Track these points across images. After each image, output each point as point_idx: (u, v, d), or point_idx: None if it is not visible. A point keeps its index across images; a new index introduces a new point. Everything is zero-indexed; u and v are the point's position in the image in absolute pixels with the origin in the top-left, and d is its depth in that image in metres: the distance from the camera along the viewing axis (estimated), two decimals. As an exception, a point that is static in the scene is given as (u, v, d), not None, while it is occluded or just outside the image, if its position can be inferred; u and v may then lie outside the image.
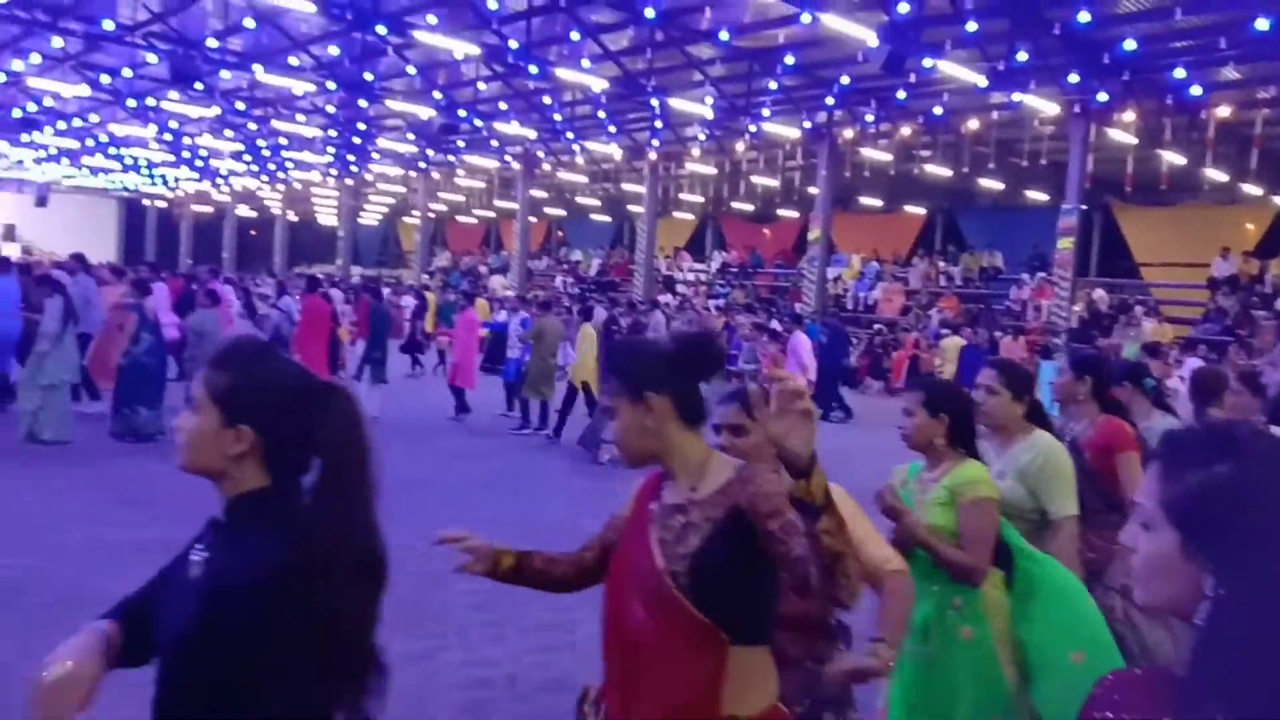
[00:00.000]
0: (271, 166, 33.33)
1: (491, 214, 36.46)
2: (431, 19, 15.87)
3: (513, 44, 15.71)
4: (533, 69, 16.75)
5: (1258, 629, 1.13)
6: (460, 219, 38.88)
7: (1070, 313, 19.07)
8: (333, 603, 1.54)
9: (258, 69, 18.71)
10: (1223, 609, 1.15)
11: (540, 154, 28.15)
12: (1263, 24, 12.31)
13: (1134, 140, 17.92)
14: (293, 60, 19.08)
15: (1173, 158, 18.76)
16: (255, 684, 1.50)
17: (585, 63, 17.39)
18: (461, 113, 21.52)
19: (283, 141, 28.80)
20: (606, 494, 8.26)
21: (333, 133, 27.12)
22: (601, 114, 21.71)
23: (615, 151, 25.43)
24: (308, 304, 12.51)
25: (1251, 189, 21.71)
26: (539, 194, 32.23)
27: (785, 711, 2.03)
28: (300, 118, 24.79)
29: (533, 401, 11.91)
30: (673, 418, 2.04)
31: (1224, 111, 17.10)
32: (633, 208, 30.56)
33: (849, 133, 21.57)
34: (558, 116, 22.86)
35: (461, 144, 27.20)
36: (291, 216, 40.35)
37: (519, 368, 12.11)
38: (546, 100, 21.91)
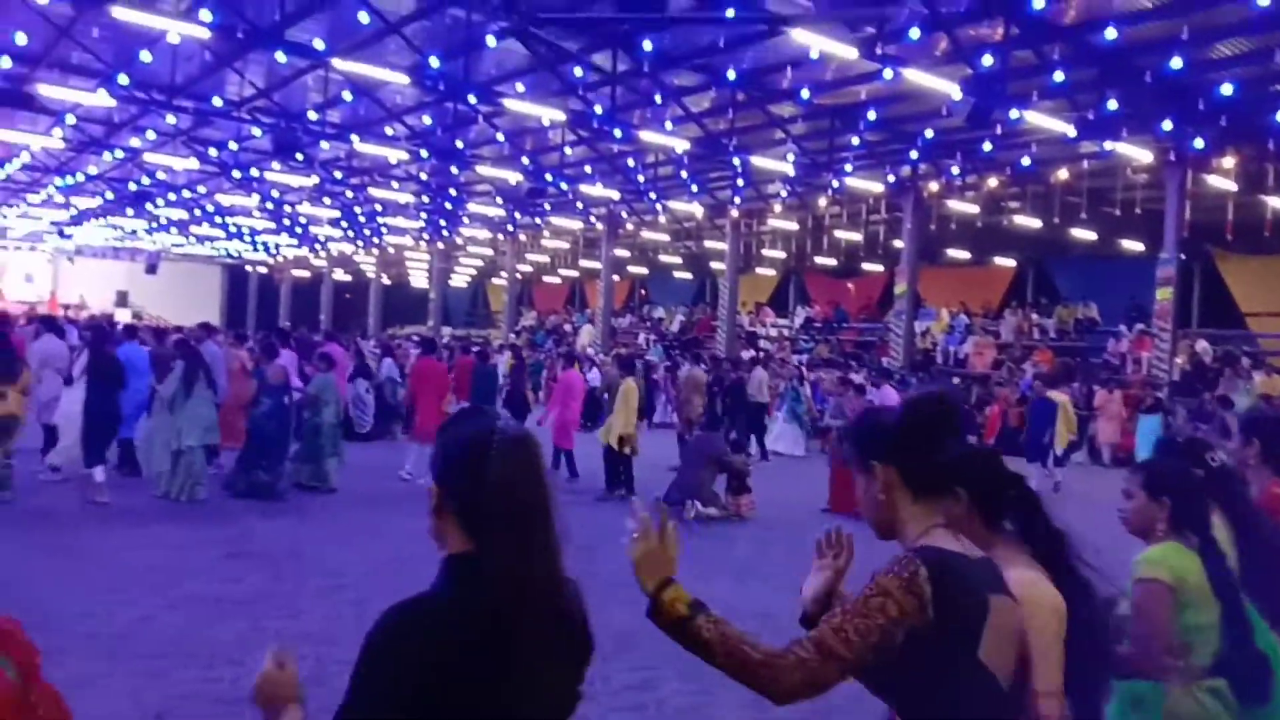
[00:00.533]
0: (367, 232, 34.68)
1: (576, 273, 37.15)
2: (519, 87, 16.41)
3: (598, 109, 16.10)
4: (617, 133, 17.13)
5: None
6: (546, 279, 39.68)
7: (1172, 365, 18.38)
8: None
9: (355, 139, 19.57)
10: None
11: (624, 214, 28.63)
12: (1369, 64, 11.89)
13: (1234, 186, 17.37)
14: (388, 130, 19.91)
15: (1276, 203, 18.11)
16: None
17: (668, 124, 17.73)
18: (548, 177, 22.09)
19: (378, 208, 29.98)
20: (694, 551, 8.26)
21: (425, 198, 28.12)
22: (684, 173, 22.03)
23: (697, 210, 25.73)
24: (423, 365, 12.82)
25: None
26: (622, 253, 32.73)
27: None
28: (395, 185, 25.77)
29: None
30: (900, 488, 1.95)
31: (1332, 155, 16.47)
32: (715, 264, 30.75)
33: (934, 185, 21.43)
34: (641, 177, 23.27)
35: (548, 206, 27.89)
36: (385, 279, 41.70)
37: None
38: (630, 162, 22.35)
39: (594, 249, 31.58)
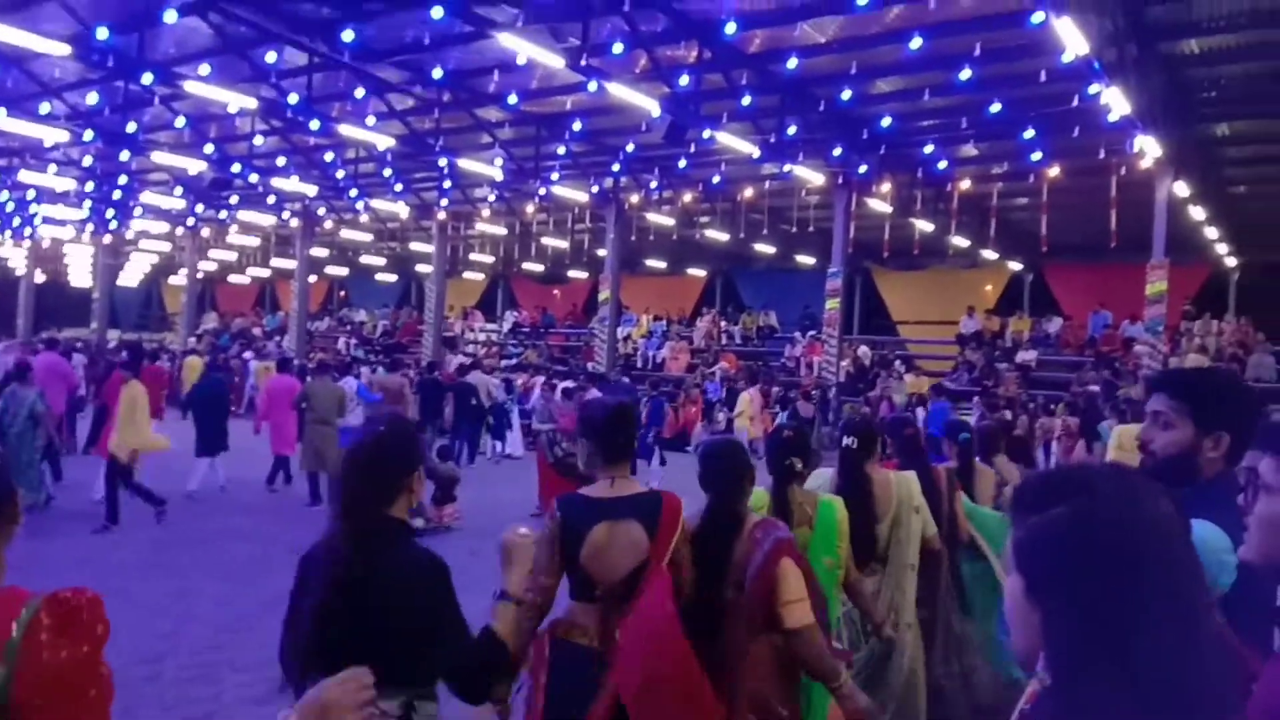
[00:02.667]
0: (16, 221, 30.30)
1: (267, 273, 34.78)
2: (204, 69, 15.10)
3: (292, 98, 15.19)
4: (314, 124, 16.24)
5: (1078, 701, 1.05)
6: (233, 278, 36.79)
7: (839, 368, 20.37)
8: None
9: (0, 113, 17.07)
10: (1050, 665, 1.11)
11: (321, 211, 27.23)
12: (996, 107, 13.88)
13: (889, 209, 19.57)
14: (44, 107, 17.55)
15: (923, 225, 20.63)
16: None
17: (370, 120, 17.07)
18: (235, 167, 20.51)
19: (30, 195, 26.31)
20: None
21: (89, 186, 25.06)
22: (387, 172, 21.34)
23: (402, 210, 25.01)
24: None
25: (989, 254, 24.19)
26: (320, 252, 31.10)
27: None
28: (52, 169, 22.76)
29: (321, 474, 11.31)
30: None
31: (966, 184, 19.04)
32: (420, 267, 30.07)
33: (635, 198, 22.29)
34: (340, 173, 22.25)
35: (234, 200, 25.86)
36: (40, 276, 36.72)
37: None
38: (329, 156, 21.30)
39: (288, 247, 29.76)
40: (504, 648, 2.41)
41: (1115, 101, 11.78)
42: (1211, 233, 20.28)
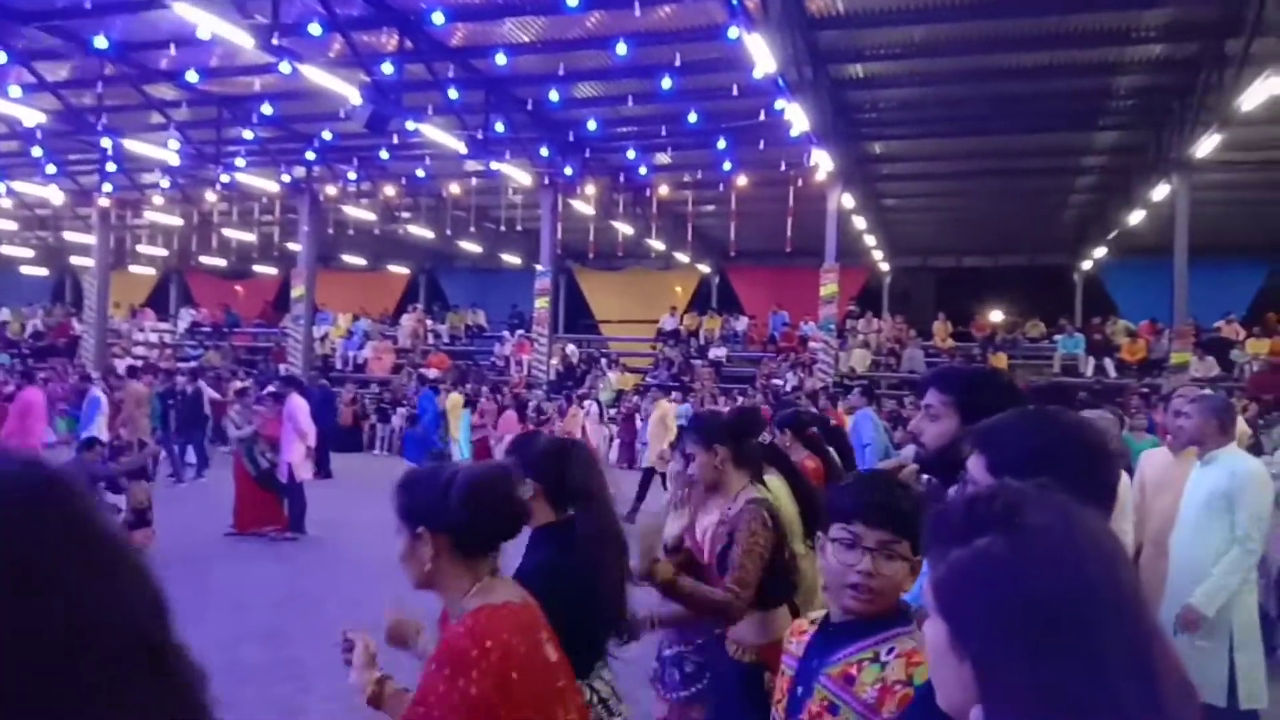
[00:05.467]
0: None
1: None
2: None
3: (-90, 58, 12.88)
4: (-61, 91, 13.88)
5: None
6: None
7: (549, 366, 20.58)
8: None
9: None
10: None
11: (-51, 193, 23.37)
12: (693, 117, 14.61)
13: (593, 211, 20.04)
14: None
15: (624, 228, 21.34)
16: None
17: (15, 90, 14.84)
18: None
19: None
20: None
21: None
22: (36, 151, 18.68)
23: (54, 194, 22.00)
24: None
25: (682, 257, 25.52)
26: (-53, 241, 26.72)
27: None
28: None
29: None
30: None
31: (663, 190, 19.91)
32: (78, 260, 26.66)
33: (331, 189, 21.16)
34: (-25, 150, 19.22)
35: None
36: None
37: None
38: (-42, 130, 18.31)
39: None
40: None
41: (796, 118, 12.78)
42: (870, 240, 22.67)
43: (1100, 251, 23.19)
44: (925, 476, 2.75)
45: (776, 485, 3.49)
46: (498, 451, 13.43)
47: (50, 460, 0.98)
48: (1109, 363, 19.82)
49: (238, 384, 15.97)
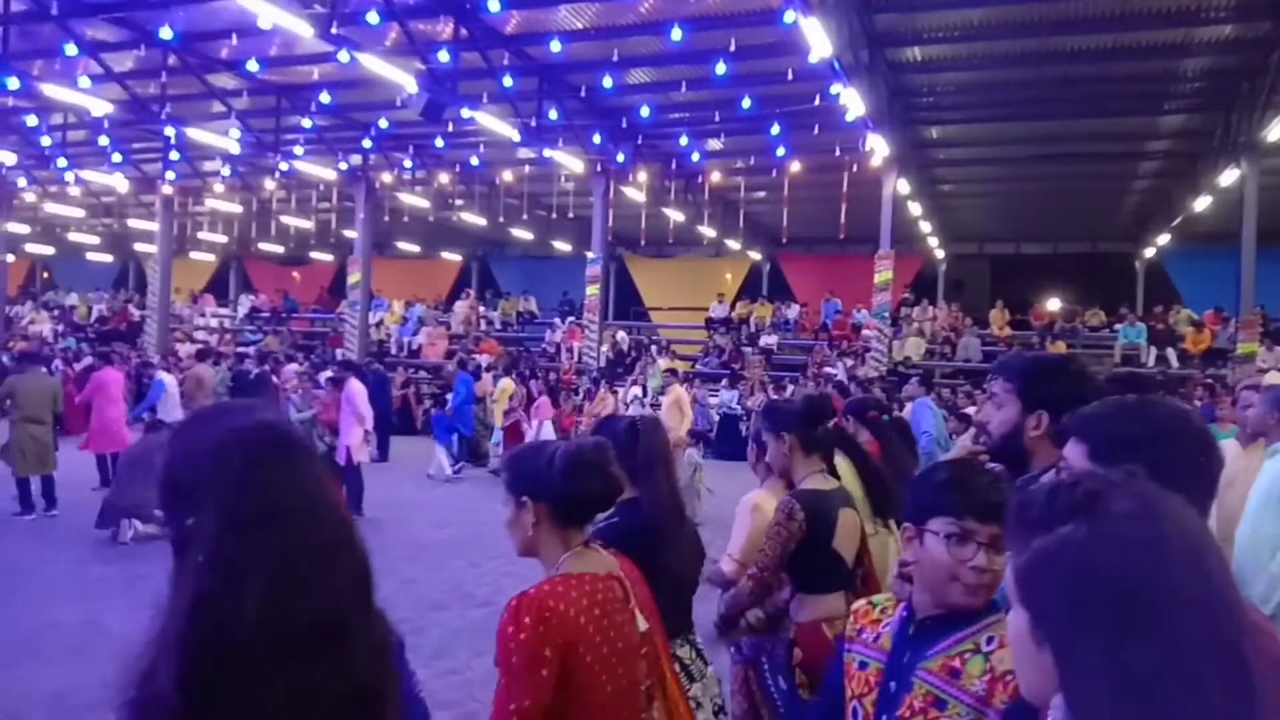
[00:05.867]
0: None
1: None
2: None
3: (-16, 50, 13.27)
4: (11, 83, 14.25)
5: None
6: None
7: (599, 353, 20.65)
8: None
9: None
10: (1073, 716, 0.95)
11: (21, 181, 24.09)
12: (747, 102, 14.51)
13: (644, 198, 20.03)
14: None
15: (675, 215, 21.30)
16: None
17: (83, 81, 15.22)
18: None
19: None
20: (131, 583, 7.18)
21: None
22: (103, 140, 19.16)
23: (120, 182, 22.57)
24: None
25: (733, 243, 25.40)
26: (18, 228, 27.53)
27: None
28: None
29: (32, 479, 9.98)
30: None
31: (715, 177, 19.82)
32: (141, 246, 27.36)
33: (387, 177, 21.41)
34: (46, 140, 19.75)
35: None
36: None
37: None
38: (32, 120, 18.83)
39: (-22, 221, 26.09)
40: None
41: (852, 102, 12.64)
42: (925, 227, 22.36)
43: (1164, 239, 22.62)
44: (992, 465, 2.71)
45: (845, 469, 3.67)
46: (530, 435, 13.56)
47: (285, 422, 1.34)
48: (1171, 353, 19.33)
49: (295, 367, 16.24)
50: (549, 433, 13.72)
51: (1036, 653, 0.97)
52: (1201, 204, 17.80)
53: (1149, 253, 24.63)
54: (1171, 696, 0.88)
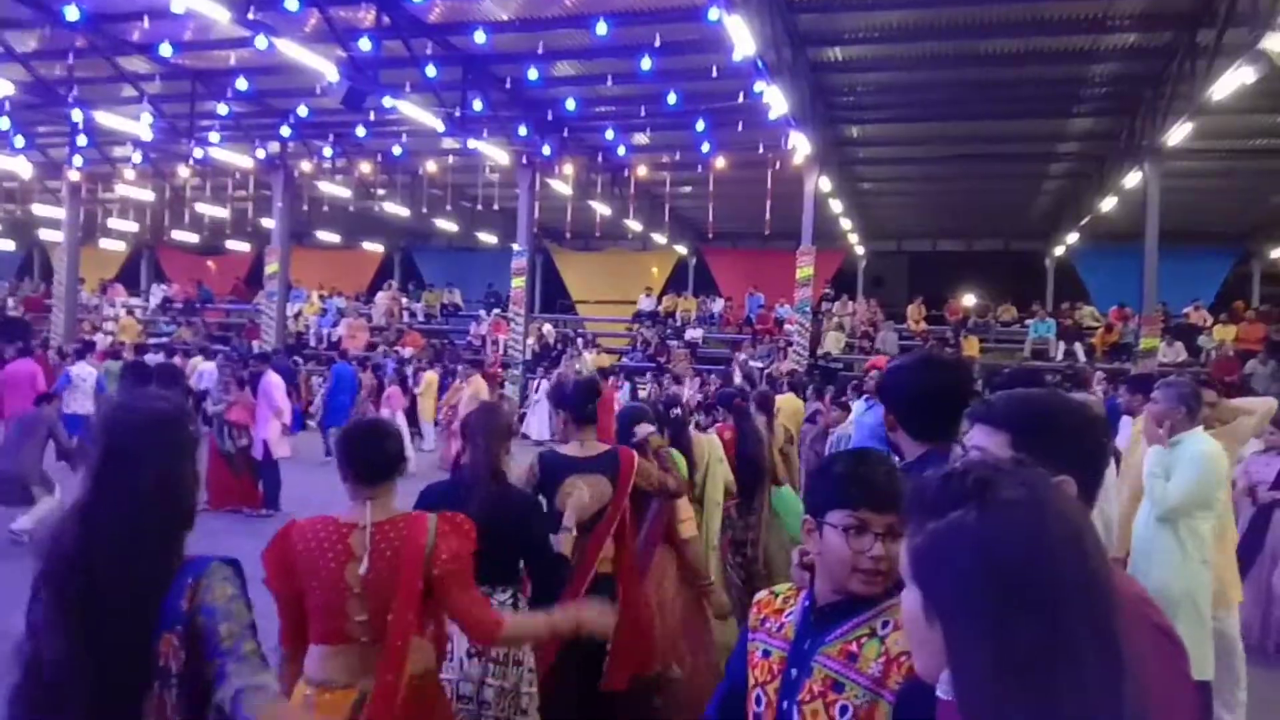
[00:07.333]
0: None
1: None
2: None
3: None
4: (-97, 60, 13.60)
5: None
6: None
7: (525, 346, 20.58)
8: None
9: None
10: (959, 695, 1.01)
11: (-86, 165, 22.92)
12: (672, 98, 14.60)
13: (570, 191, 19.99)
14: None
15: (602, 208, 21.31)
16: None
17: (-17, 61, 14.59)
18: None
19: None
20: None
21: None
22: (4, 122, 18.34)
23: (23, 167, 21.63)
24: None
25: (659, 238, 25.52)
26: (-89, 213, 26.22)
27: None
28: None
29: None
30: None
31: (642, 171, 19.89)
32: (46, 234, 26.29)
33: (306, 165, 20.96)
34: (-60, 121, 18.82)
35: None
36: None
37: None
38: (-77, 100, 17.93)
39: None
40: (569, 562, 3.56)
41: (775, 100, 12.81)
42: (846, 224, 22.79)
43: (1073, 237, 23.47)
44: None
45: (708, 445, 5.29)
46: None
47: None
48: (1079, 348, 20.09)
49: (201, 361, 15.83)
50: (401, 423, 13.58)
51: (928, 631, 1.03)
52: (1108, 204, 18.51)
53: (1059, 251, 25.51)
54: (1050, 669, 0.94)
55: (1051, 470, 1.63)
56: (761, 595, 2.07)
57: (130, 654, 1.85)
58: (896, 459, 2.33)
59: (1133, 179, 16.71)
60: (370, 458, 2.72)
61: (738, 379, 16.24)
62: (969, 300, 24.67)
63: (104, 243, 28.67)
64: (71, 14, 12.59)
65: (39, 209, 24.71)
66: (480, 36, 12.99)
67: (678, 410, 5.54)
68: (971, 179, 21.03)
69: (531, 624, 2.92)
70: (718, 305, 24.88)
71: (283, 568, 2.68)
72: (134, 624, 1.86)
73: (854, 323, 22.58)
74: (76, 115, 16.98)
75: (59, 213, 23.21)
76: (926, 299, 23.40)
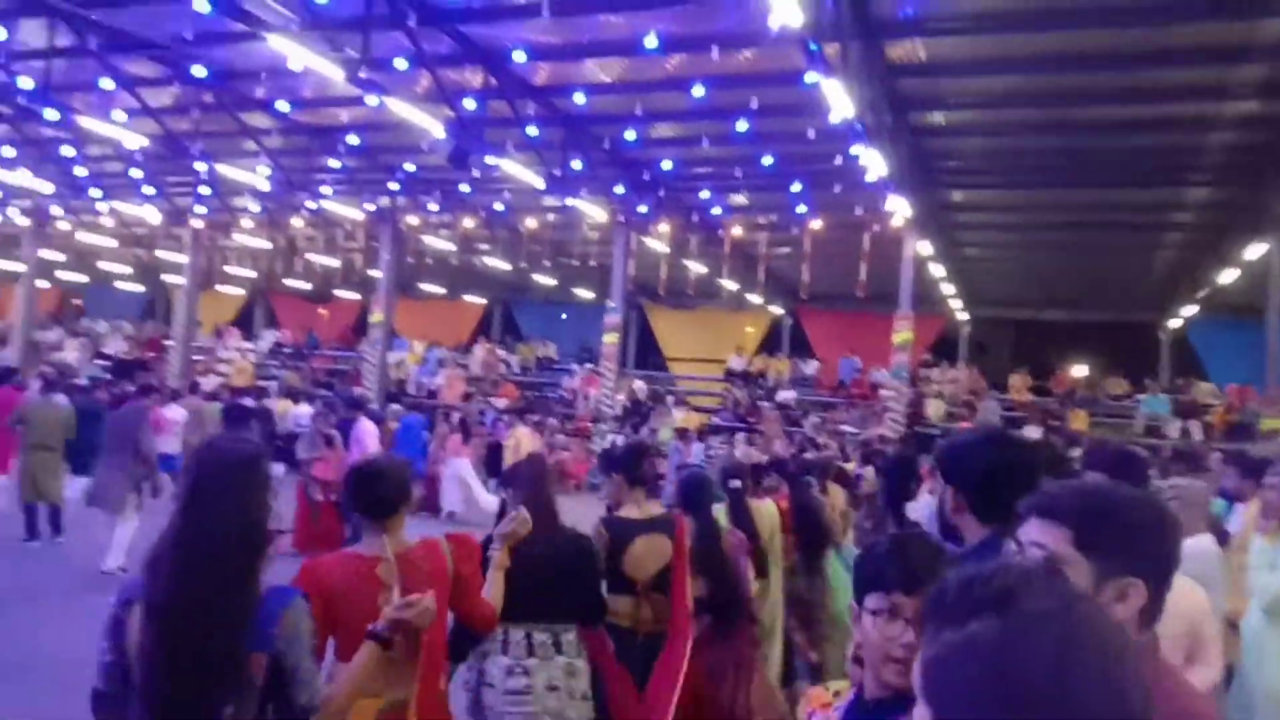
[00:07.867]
0: None
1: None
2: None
3: (26, 82, 13.62)
4: (51, 114, 14.60)
5: None
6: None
7: (615, 401, 20.62)
8: None
9: None
10: None
11: (56, 210, 24.57)
12: (768, 159, 14.60)
13: (666, 249, 20.12)
14: None
15: (696, 267, 21.37)
16: None
17: (119, 115, 15.57)
18: (-49, 154, 18.13)
19: None
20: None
21: None
22: (136, 172, 19.54)
23: (151, 214, 22.97)
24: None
25: (754, 298, 25.41)
26: (51, 256, 28.02)
27: None
28: None
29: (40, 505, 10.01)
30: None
31: (737, 231, 19.90)
32: (169, 278, 27.75)
33: (412, 219, 21.66)
34: (81, 170, 20.17)
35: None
36: None
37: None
38: (68, 151, 19.25)
39: (12, 249, 26.60)
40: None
41: (873, 163, 12.65)
42: (947, 289, 22.29)
43: (1189, 309, 22.40)
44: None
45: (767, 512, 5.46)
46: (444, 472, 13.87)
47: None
48: (1195, 426, 19.04)
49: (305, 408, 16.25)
50: (466, 471, 13.95)
51: None
52: (1227, 276, 17.64)
53: (1174, 323, 24.39)
54: None
55: (1118, 572, 1.49)
56: (814, 689, 1.99)
57: (220, 667, 2.10)
58: (951, 546, 2.16)
59: (1255, 251, 15.89)
60: (379, 494, 2.91)
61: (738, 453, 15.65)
62: (1078, 371, 23.72)
63: (221, 288, 30.13)
64: (199, 72, 13.45)
65: (163, 254, 26.17)
66: (581, 98, 13.26)
67: (737, 482, 5.36)
68: (1080, 247, 20.34)
69: (496, 582, 3.18)
70: (811, 367, 24.53)
71: (317, 602, 2.78)
72: (226, 639, 2.11)
73: (954, 391, 21.93)
74: (201, 167, 17.95)
75: (181, 258, 24.49)
76: (1032, 369, 22.60)
